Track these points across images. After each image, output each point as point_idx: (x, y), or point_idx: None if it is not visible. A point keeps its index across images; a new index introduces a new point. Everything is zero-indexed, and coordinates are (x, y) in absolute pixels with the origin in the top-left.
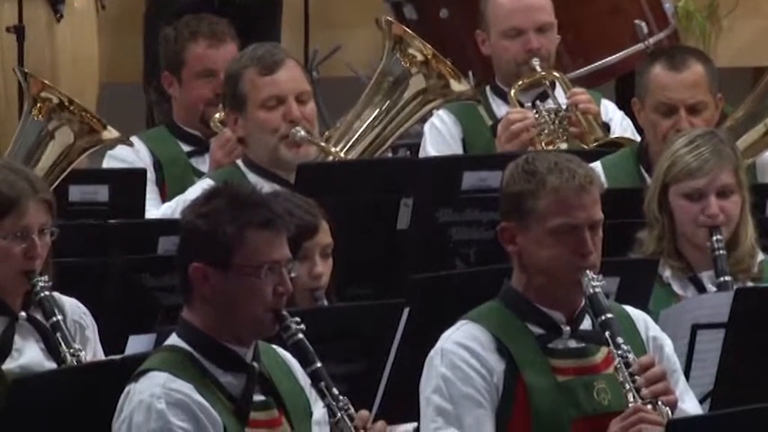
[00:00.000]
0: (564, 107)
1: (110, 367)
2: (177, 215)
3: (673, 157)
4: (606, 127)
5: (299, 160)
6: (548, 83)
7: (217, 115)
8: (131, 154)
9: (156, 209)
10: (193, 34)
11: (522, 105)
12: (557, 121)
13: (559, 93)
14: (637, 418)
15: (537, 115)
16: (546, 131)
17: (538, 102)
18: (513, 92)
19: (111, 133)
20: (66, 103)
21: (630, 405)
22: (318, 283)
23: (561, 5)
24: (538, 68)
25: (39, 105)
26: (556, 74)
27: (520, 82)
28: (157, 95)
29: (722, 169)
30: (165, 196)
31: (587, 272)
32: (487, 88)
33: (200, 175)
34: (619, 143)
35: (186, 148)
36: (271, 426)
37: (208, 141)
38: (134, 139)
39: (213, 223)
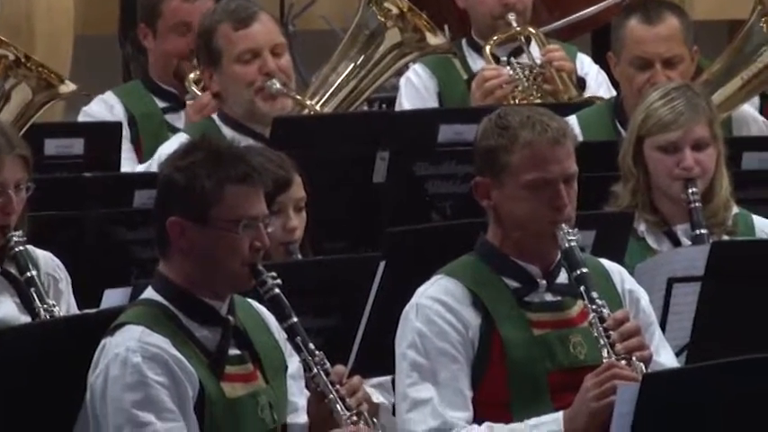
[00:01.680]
0: (539, 63)
1: (85, 321)
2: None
3: (647, 110)
4: (582, 81)
5: (275, 113)
6: (523, 38)
7: (191, 75)
8: (105, 110)
9: (131, 168)
10: None
11: (497, 60)
12: (531, 78)
13: (534, 48)
14: (610, 374)
15: (511, 71)
16: (520, 88)
17: (512, 58)
18: (488, 48)
19: (68, 87)
20: (23, 59)
21: (605, 361)
22: (292, 237)
23: None
24: (514, 23)
25: None
26: (531, 30)
27: (495, 38)
28: (134, 49)
29: (697, 122)
30: (140, 152)
31: (563, 225)
32: (463, 42)
33: (175, 131)
34: (592, 102)
35: (161, 104)
36: (246, 380)
37: (183, 98)
38: (108, 94)
39: (191, 177)
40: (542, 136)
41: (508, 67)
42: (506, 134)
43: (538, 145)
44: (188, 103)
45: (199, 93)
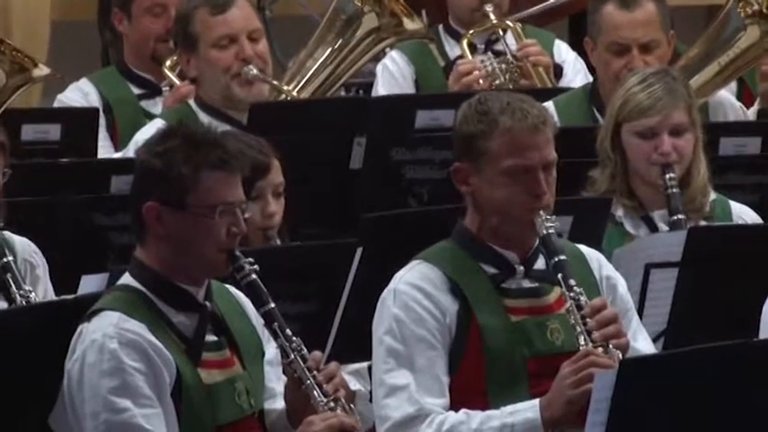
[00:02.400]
0: (514, 54)
1: (62, 307)
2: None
3: (626, 95)
4: (559, 69)
5: (252, 99)
6: (500, 31)
7: (168, 62)
8: (80, 97)
9: (107, 156)
10: None
11: (474, 48)
12: (507, 74)
13: (510, 37)
14: (587, 361)
15: (489, 62)
16: (498, 82)
17: (490, 53)
18: (465, 41)
19: (42, 70)
20: None
21: (582, 348)
22: (271, 223)
23: None
24: (491, 16)
25: None
26: (510, 23)
27: (471, 31)
28: (113, 35)
29: (675, 107)
30: (116, 139)
31: (541, 212)
32: (441, 28)
33: (151, 118)
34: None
35: (136, 90)
36: (223, 366)
37: (159, 85)
38: (83, 81)
39: (168, 163)
40: (522, 123)
41: (484, 58)
42: (486, 120)
43: (517, 131)
44: (164, 90)
45: (176, 79)
